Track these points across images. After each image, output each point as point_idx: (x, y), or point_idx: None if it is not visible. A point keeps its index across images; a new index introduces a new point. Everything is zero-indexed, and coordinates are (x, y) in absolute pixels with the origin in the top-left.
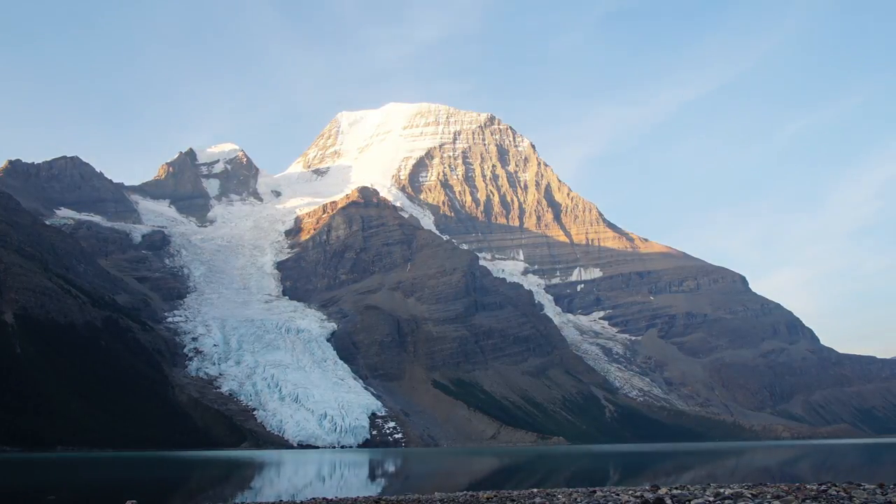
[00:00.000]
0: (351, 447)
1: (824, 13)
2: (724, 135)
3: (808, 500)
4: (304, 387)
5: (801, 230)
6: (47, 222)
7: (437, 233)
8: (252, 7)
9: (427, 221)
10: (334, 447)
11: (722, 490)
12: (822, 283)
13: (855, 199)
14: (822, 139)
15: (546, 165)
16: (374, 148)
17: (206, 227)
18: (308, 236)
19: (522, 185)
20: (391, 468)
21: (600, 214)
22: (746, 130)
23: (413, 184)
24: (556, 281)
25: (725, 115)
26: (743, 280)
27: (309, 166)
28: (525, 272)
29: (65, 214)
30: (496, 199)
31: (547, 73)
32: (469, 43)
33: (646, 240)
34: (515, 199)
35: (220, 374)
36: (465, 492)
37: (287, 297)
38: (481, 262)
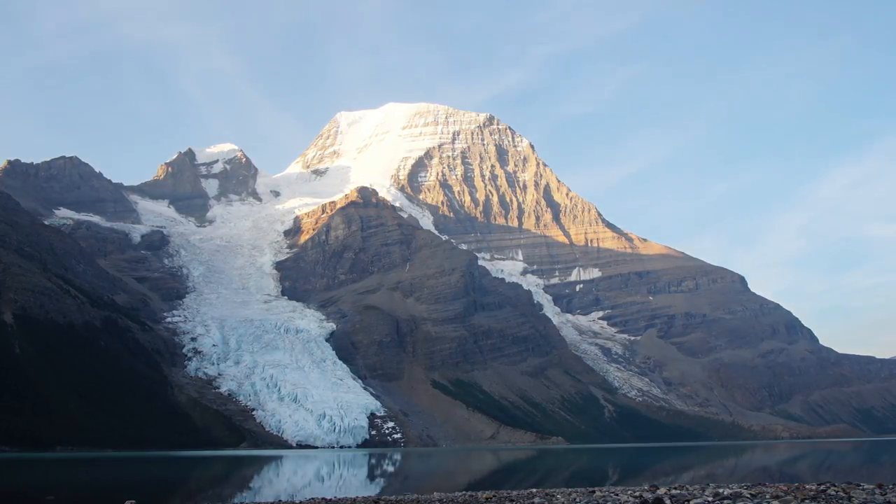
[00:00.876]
0: (350, 447)
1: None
2: (659, 195)
3: (807, 500)
4: (302, 387)
5: (746, 260)
6: (46, 222)
7: (436, 233)
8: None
9: (426, 221)
10: (333, 447)
11: (721, 490)
12: (780, 298)
13: (783, 240)
14: (744, 197)
15: (545, 166)
16: (373, 148)
17: (205, 227)
18: (307, 236)
19: (521, 185)
20: (390, 468)
21: (599, 214)
22: (678, 191)
23: (412, 184)
24: (555, 281)
25: (657, 184)
26: (742, 280)
27: (308, 166)
28: (524, 272)
29: (64, 214)
30: (495, 199)
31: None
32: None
33: (645, 240)
34: (514, 199)
35: (219, 374)
36: (463, 492)
37: (286, 298)
38: (480, 262)
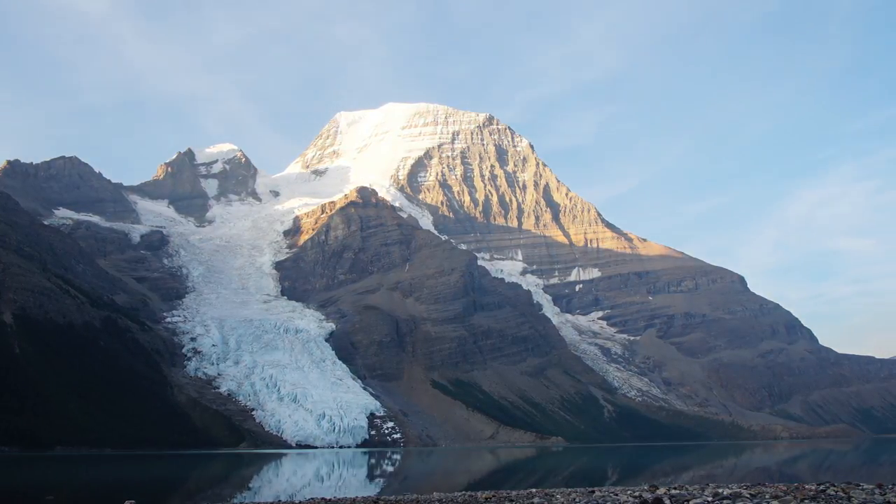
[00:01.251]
0: (349, 447)
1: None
2: (637, 216)
3: (806, 500)
4: (302, 387)
5: (732, 268)
6: (46, 222)
7: (436, 233)
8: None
9: (425, 221)
10: (333, 447)
11: (720, 490)
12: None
13: (759, 253)
14: (719, 217)
15: (544, 166)
16: (373, 148)
17: (204, 227)
18: (307, 236)
19: (521, 185)
20: (389, 468)
21: (599, 214)
22: (656, 211)
23: (412, 184)
24: (554, 281)
25: (635, 207)
26: (741, 280)
27: (307, 166)
28: (524, 272)
29: (63, 214)
30: (495, 199)
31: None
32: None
33: (644, 240)
34: (514, 199)
35: (219, 374)
36: (463, 492)
37: (285, 298)
38: (480, 262)
